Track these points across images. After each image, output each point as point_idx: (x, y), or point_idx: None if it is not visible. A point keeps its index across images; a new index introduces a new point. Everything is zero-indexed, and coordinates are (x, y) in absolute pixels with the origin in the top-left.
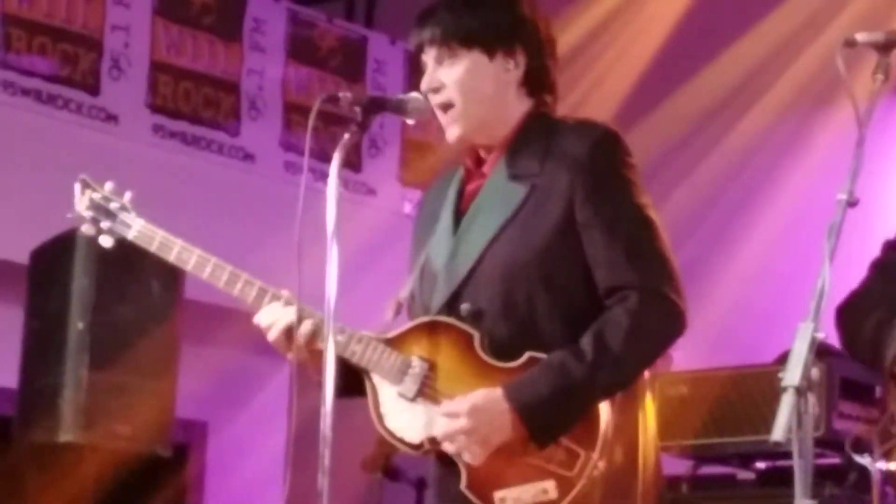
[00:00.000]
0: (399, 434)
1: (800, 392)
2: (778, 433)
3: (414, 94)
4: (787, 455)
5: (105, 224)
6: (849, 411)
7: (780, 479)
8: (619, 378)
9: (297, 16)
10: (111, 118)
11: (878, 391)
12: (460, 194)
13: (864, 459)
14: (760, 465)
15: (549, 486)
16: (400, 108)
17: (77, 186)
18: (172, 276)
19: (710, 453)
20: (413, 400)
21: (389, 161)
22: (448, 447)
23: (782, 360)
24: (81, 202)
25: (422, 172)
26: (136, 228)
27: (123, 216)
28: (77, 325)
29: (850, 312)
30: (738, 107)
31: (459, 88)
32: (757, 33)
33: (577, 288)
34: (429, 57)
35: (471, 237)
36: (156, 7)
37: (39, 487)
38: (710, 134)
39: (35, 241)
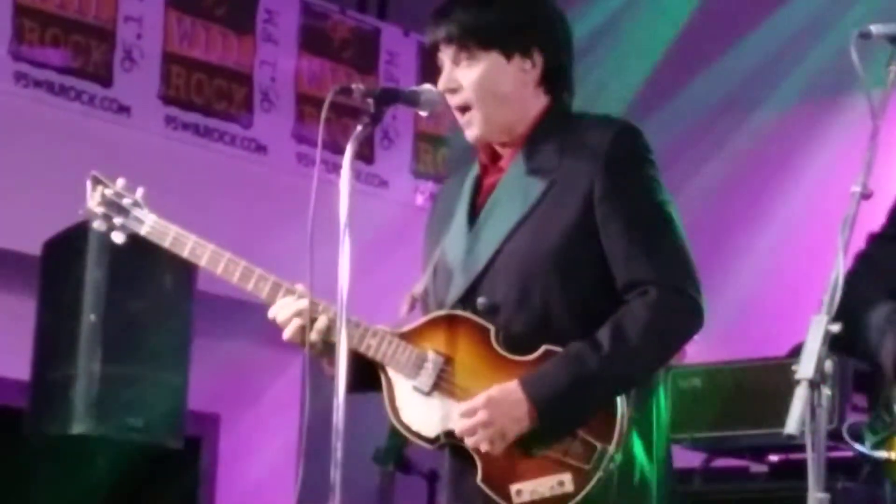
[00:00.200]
0: (415, 428)
1: (813, 385)
2: (791, 426)
3: (427, 86)
4: (801, 448)
5: (117, 220)
6: (863, 404)
7: (793, 472)
8: (636, 371)
9: (309, 7)
10: (123, 110)
11: None
12: (476, 189)
13: (861, 447)
14: (773, 458)
15: (566, 479)
16: (413, 100)
17: (88, 183)
18: (185, 268)
19: (723, 446)
20: (429, 394)
21: (402, 153)
22: (467, 441)
23: (796, 352)
24: (93, 198)
25: (434, 164)
26: (149, 224)
27: (136, 212)
28: (90, 317)
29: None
30: (751, 99)
31: (477, 91)
32: (770, 25)
33: (593, 283)
34: (445, 56)
35: (488, 231)
36: None
37: (52, 480)
38: (723, 126)
39: (48, 233)
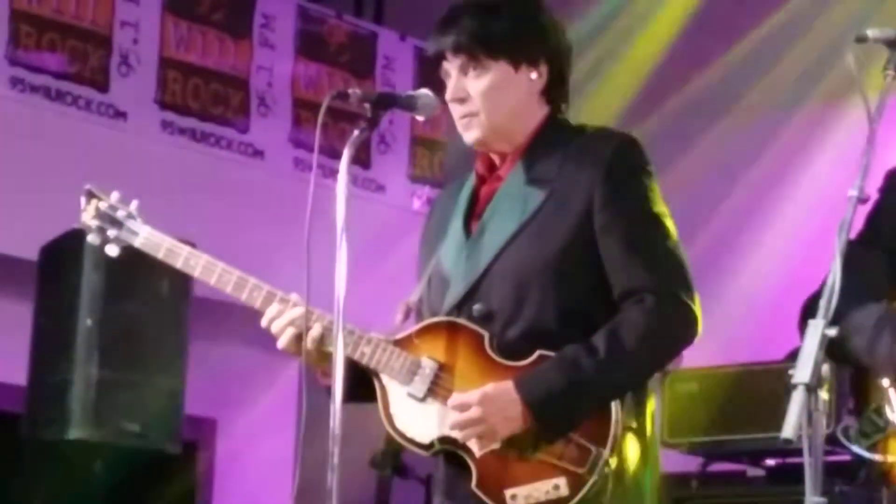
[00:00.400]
0: (409, 434)
1: (810, 389)
2: (788, 430)
3: (424, 91)
4: (798, 452)
5: (111, 232)
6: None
7: (791, 476)
8: (630, 377)
9: (306, 12)
10: (120, 115)
11: None
12: (473, 199)
13: (853, 447)
14: (770, 462)
15: (561, 483)
16: (409, 105)
17: (82, 197)
18: (182, 273)
19: (720, 450)
20: (423, 400)
21: (399, 157)
22: (456, 435)
23: (792, 357)
24: (87, 212)
25: (431, 169)
26: (143, 236)
27: (130, 224)
28: (86, 321)
29: (812, 309)
30: (748, 104)
31: (485, 100)
32: (767, 28)
33: (589, 292)
34: (452, 66)
35: (486, 239)
36: (165, 3)
37: (49, 484)
38: (721, 130)
39: (44, 238)
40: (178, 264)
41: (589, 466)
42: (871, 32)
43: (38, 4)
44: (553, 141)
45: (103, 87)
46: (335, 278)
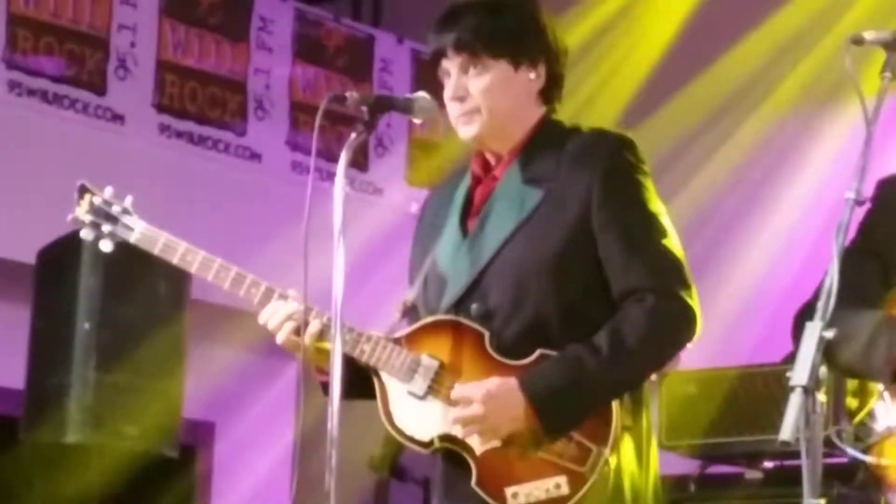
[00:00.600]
0: (409, 432)
1: (808, 391)
2: (786, 433)
3: (421, 94)
4: (796, 454)
5: (106, 228)
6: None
7: (789, 478)
8: (632, 375)
9: (303, 15)
10: (117, 118)
11: None
12: (468, 198)
13: (847, 449)
14: (768, 464)
15: (562, 481)
16: (407, 108)
17: (76, 193)
18: (179, 276)
19: (718, 452)
20: (423, 398)
21: (396, 160)
22: (457, 431)
23: (790, 359)
24: (81, 207)
25: (429, 172)
26: (139, 231)
27: (125, 219)
28: (84, 325)
29: (803, 320)
30: (744, 106)
31: (486, 99)
32: (764, 31)
33: (588, 290)
34: (452, 64)
35: (483, 239)
36: (162, 7)
37: (47, 488)
38: (717, 132)
39: (42, 242)
40: (175, 260)
41: (589, 465)
42: (868, 35)
43: (36, 8)
44: (549, 141)
45: (101, 90)
46: (333, 281)
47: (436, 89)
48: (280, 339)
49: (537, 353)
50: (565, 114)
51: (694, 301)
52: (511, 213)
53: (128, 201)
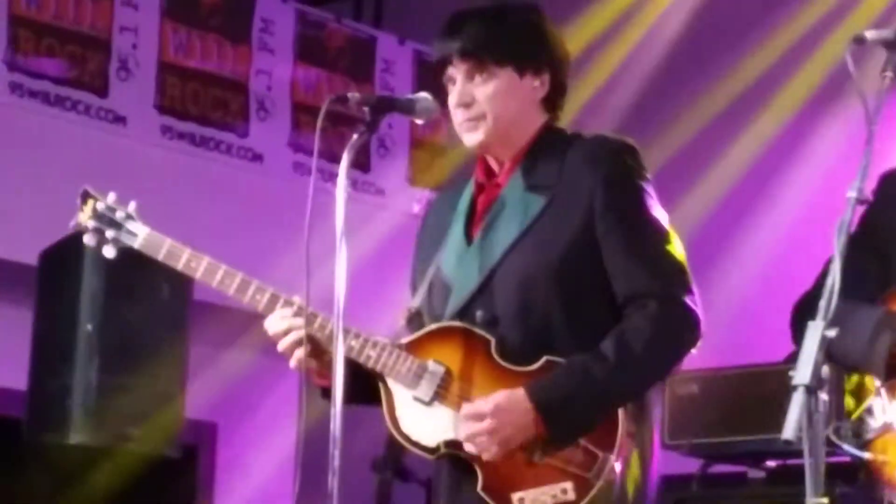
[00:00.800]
0: (415, 438)
1: (810, 390)
2: (788, 432)
3: (422, 94)
4: (798, 453)
5: (109, 234)
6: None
7: (791, 477)
8: (639, 382)
9: (305, 16)
10: (119, 120)
11: None
12: (472, 206)
13: (845, 446)
14: (771, 463)
15: (568, 487)
16: (409, 109)
17: (78, 198)
18: (182, 278)
19: (720, 452)
20: (429, 404)
21: (398, 161)
22: (469, 448)
23: (793, 358)
24: (84, 212)
25: (431, 173)
26: (143, 237)
27: (129, 225)
28: (86, 327)
29: (801, 312)
30: (747, 107)
31: (491, 106)
32: (767, 32)
33: (592, 296)
34: (457, 71)
35: (488, 246)
36: (164, 8)
37: (49, 489)
38: (720, 134)
39: (44, 243)
40: (180, 266)
41: (596, 471)
42: (869, 34)
43: (38, 10)
44: (551, 148)
45: (102, 91)
46: (335, 282)
47: (437, 90)
48: (282, 347)
49: (543, 359)
50: (566, 118)
51: (697, 306)
52: (515, 221)
53: (131, 207)
